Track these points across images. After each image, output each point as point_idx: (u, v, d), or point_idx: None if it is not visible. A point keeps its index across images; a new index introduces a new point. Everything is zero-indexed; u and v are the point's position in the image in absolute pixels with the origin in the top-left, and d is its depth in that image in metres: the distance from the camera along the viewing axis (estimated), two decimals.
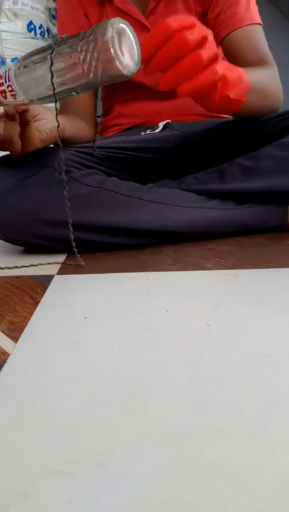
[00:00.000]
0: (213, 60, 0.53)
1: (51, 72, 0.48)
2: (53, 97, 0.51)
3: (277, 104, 0.81)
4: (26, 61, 0.51)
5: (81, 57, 0.47)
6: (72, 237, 0.63)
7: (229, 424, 0.33)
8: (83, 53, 0.47)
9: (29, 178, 0.71)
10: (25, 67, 0.51)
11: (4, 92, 0.53)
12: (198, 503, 0.26)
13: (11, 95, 0.53)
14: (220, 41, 0.85)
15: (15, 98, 0.53)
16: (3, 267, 0.68)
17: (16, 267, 0.67)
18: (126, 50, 0.48)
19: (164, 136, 0.88)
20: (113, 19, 0.47)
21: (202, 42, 0.51)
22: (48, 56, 0.48)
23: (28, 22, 1.74)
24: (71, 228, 0.60)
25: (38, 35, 1.79)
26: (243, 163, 0.79)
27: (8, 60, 1.70)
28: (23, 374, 0.40)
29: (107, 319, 0.50)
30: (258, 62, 0.82)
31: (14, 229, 0.71)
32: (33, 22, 1.77)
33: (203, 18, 0.86)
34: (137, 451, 0.30)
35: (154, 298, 0.54)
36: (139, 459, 0.30)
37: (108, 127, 1.01)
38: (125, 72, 0.47)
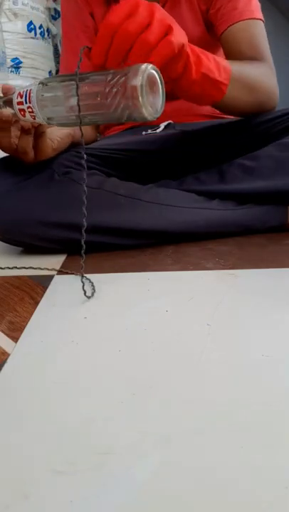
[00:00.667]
0: (167, 33, 0.53)
1: (77, 94, 0.48)
2: (72, 122, 0.52)
3: (269, 103, 0.80)
4: (50, 85, 0.51)
5: (107, 90, 0.47)
6: (83, 240, 0.61)
7: (229, 424, 0.33)
8: (110, 87, 0.47)
9: (28, 180, 0.71)
10: (47, 90, 0.51)
11: (23, 110, 0.53)
12: (198, 503, 0.26)
13: (30, 115, 0.53)
14: (219, 36, 0.85)
15: (34, 119, 0.54)
16: (3, 267, 0.68)
17: (16, 267, 0.67)
18: (152, 96, 0.48)
19: (164, 136, 0.88)
20: (145, 65, 0.47)
21: (149, 21, 0.51)
22: (73, 81, 0.49)
23: (28, 22, 1.74)
24: (84, 234, 0.59)
25: (38, 35, 1.79)
26: (243, 163, 0.79)
27: (8, 60, 1.70)
28: (23, 374, 0.40)
29: (107, 319, 0.50)
30: (253, 57, 0.81)
31: (13, 230, 0.71)
32: (33, 22, 1.77)
33: (208, 15, 0.87)
34: (137, 451, 0.30)
35: (154, 298, 0.54)
36: (139, 459, 0.30)
37: (110, 126, 1.01)
38: (147, 116, 0.48)
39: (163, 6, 0.86)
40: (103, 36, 0.50)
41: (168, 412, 0.34)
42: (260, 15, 0.85)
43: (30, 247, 0.75)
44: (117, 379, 0.39)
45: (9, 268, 0.67)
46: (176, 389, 0.37)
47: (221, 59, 0.67)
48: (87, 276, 0.62)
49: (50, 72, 1.86)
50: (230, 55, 0.84)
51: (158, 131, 0.90)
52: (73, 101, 0.49)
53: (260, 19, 0.84)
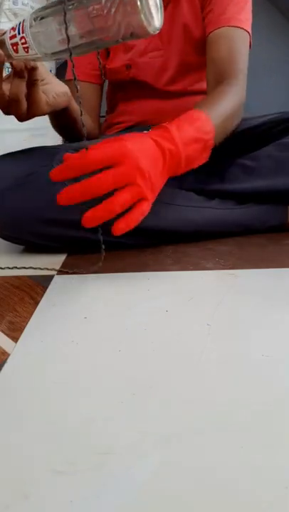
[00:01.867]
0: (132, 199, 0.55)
1: (65, 22, 0.45)
2: (68, 51, 0.48)
3: (241, 115, 0.80)
4: (43, 12, 0.48)
5: (105, 11, 0.44)
6: (101, 239, 0.61)
7: (229, 424, 0.33)
8: (108, 6, 0.44)
9: (30, 177, 0.70)
10: (41, 18, 0.48)
11: (16, 44, 0.50)
12: (198, 503, 0.26)
13: (23, 48, 0.50)
14: (206, 39, 0.85)
15: (27, 51, 0.50)
16: (3, 267, 0.68)
17: (16, 267, 0.67)
18: (152, 8, 0.46)
19: None
20: None
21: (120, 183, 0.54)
22: (64, 6, 0.45)
23: None
24: (100, 230, 0.59)
25: None
26: (243, 163, 0.79)
27: None
28: (23, 374, 0.40)
29: (107, 319, 0.50)
30: (227, 69, 0.80)
31: (14, 228, 0.71)
32: None
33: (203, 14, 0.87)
34: (137, 451, 0.30)
35: (154, 298, 0.54)
36: (139, 459, 0.30)
37: (111, 125, 1.01)
38: (150, 29, 0.45)
39: (165, 7, 0.86)
40: (73, 168, 0.54)
41: (168, 412, 0.34)
42: (247, 26, 0.84)
43: (30, 245, 0.75)
44: (117, 379, 0.39)
45: (9, 268, 0.67)
46: (176, 389, 0.37)
47: (201, 124, 0.65)
48: (87, 276, 0.62)
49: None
50: (208, 59, 0.84)
51: None
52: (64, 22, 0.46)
53: (247, 31, 0.83)
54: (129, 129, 0.97)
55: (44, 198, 0.69)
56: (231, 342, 0.44)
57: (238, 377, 0.38)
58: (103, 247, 0.62)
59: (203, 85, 0.89)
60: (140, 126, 0.94)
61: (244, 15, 0.84)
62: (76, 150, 0.78)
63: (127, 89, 0.95)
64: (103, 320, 0.49)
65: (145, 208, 0.57)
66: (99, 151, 0.53)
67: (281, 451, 0.30)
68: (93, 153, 0.53)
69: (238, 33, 0.82)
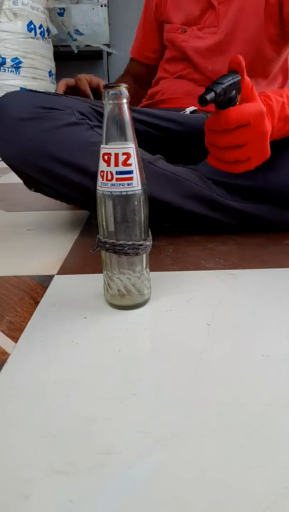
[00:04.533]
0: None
1: None
2: None
3: None
4: None
5: None
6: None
7: (229, 424, 0.33)
8: None
9: (47, 112, 0.72)
10: None
11: None
12: (198, 503, 0.26)
13: None
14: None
15: None
16: (3, 267, 0.68)
17: (16, 267, 0.67)
18: None
19: (190, 119, 0.89)
20: None
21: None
22: None
23: (28, 22, 1.74)
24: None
25: (38, 35, 1.79)
26: None
27: (8, 60, 1.70)
28: (23, 374, 0.40)
29: (107, 319, 0.50)
30: None
31: (25, 158, 0.72)
32: (33, 22, 1.77)
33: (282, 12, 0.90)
34: (137, 451, 0.30)
35: (154, 298, 0.54)
36: (139, 459, 0.30)
37: (149, 96, 1.10)
38: None
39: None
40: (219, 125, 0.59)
41: (168, 412, 0.34)
42: None
43: (27, 181, 0.78)
44: (117, 379, 0.39)
45: (9, 268, 0.67)
46: (176, 389, 0.37)
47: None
48: (87, 276, 0.63)
49: (50, 72, 1.86)
50: None
51: (184, 113, 0.93)
52: None
53: None
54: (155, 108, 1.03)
55: (57, 135, 0.71)
56: (231, 342, 0.44)
57: (238, 377, 0.38)
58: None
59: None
60: (166, 109, 0.97)
61: None
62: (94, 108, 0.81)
63: (176, 65, 1.03)
64: (103, 320, 0.49)
65: (250, 167, 0.64)
66: (236, 112, 0.58)
67: (281, 451, 0.30)
68: (231, 114, 0.58)
69: None
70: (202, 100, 0.53)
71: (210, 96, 0.53)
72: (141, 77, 1.17)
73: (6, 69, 1.69)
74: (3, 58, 1.65)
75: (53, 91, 1.85)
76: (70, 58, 2.16)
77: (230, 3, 0.93)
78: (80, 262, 0.68)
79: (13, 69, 1.70)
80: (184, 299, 0.54)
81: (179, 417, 0.34)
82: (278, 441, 0.31)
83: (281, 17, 0.91)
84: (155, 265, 0.65)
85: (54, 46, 1.96)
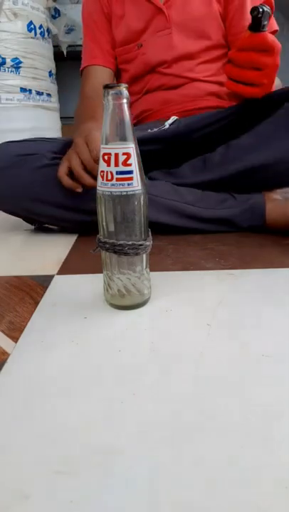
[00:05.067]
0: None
1: None
2: None
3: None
4: None
5: None
6: None
7: (229, 423, 0.33)
8: None
9: (27, 157, 0.80)
10: None
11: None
12: (198, 503, 0.26)
13: None
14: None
15: None
16: (3, 267, 0.68)
17: (16, 267, 0.67)
18: None
19: (170, 133, 0.93)
20: None
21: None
22: None
23: (28, 22, 1.74)
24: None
25: (38, 35, 1.79)
26: (223, 147, 0.86)
27: (8, 60, 1.70)
28: (23, 374, 0.40)
29: (107, 319, 0.50)
30: None
31: (10, 203, 0.83)
32: (33, 22, 1.76)
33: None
34: (137, 451, 0.30)
35: (154, 298, 0.54)
36: (139, 458, 0.30)
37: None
38: None
39: None
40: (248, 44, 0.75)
41: (168, 411, 0.34)
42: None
43: (24, 219, 0.88)
44: (117, 379, 0.39)
45: (9, 268, 0.67)
46: (176, 389, 0.37)
47: None
48: (87, 276, 0.63)
49: (50, 72, 1.86)
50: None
51: (163, 129, 0.94)
52: None
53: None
54: (135, 126, 1.03)
55: (32, 178, 0.79)
56: (231, 342, 0.44)
57: (238, 377, 0.38)
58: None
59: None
60: (146, 124, 0.99)
61: None
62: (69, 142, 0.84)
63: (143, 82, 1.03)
64: (103, 320, 0.49)
65: (259, 94, 0.80)
66: (270, 37, 0.74)
67: (281, 451, 0.30)
68: (266, 36, 0.74)
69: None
70: (254, 10, 0.71)
71: (261, 9, 0.71)
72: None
73: (6, 69, 1.69)
74: (3, 58, 1.65)
75: (53, 91, 1.86)
76: (70, 58, 2.16)
77: (171, 5, 0.96)
78: (80, 262, 0.68)
79: (13, 69, 1.70)
80: (184, 299, 0.54)
81: (178, 417, 0.34)
82: (278, 441, 0.31)
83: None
84: (155, 265, 0.65)
85: (54, 46, 1.95)
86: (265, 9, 0.71)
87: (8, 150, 0.83)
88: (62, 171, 0.76)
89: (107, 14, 1.02)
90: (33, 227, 0.92)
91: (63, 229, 0.88)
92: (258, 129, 0.83)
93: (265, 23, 0.72)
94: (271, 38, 0.74)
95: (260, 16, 0.70)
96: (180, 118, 0.95)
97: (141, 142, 0.87)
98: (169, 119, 0.95)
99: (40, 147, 0.84)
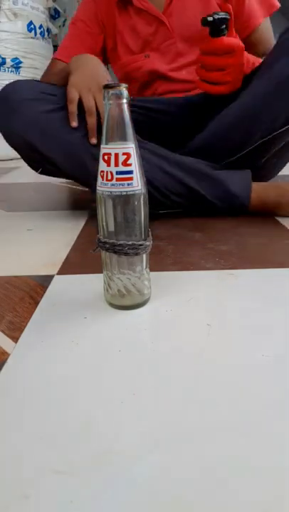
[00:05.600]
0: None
1: None
2: None
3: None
4: None
5: None
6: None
7: (229, 424, 0.33)
8: None
9: (50, 96, 0.83)
10: None
11: None
12: (198, 503, 0.26)
13: None
14: (244, 38, 0.98)
15: None
16: (3, 267, 0.68)
17: (16, 267, 0.67)
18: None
19: (171, 99, 1.00)
20: None
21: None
22: None
23: (28, 22, 1.74)
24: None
25: (38, 35, 1.79)
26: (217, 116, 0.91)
27: (8, 60, 1.70)
28: (23, 374, 0.40)
29: (107, 319, 0.50)
30: (269, 48, 0.97)
31: (25, 135, 0.84)
32: (33, 22, 1.76)
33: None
34: (137, 451, 0.30)
35: (154, 298, 0.54)
36: (139, 459, 0.30)
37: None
38: None
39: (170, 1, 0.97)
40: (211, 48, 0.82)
41: (168, 412, 0.34)
42: (269, 10, 0.99)
43: (44, 168, 0.90)
44: (117, 379, 0.39)
45: (9, 268, 0.67)
46: (176, 389, 0.37)
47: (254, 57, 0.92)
48: (87, 276, 0.63)
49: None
50: (251, 52, 0.97)
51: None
52: None
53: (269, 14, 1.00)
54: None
55: (51, 117, 0.82)
56: (231, 342, 0.44)
57: (238, 377, 0.38)
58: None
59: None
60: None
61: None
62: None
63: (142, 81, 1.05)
64: (103, 320, 0.49)
65: (226, 90, 0.85)
66: (227, 40, 0.80)
67: (281, 451, 0.30)
68: (223, 41, 0.80)
69: (266, 21, 1.01)
70: (203, 22, 0.76)
71: (210, 19, 0.75)
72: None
73: (6, 69, 1.68)
74: (3, 58, 1.65)
75: None
76: None
77: (172, 12, 0.98)
78: (80, 262, 0.68)
79: (13, 69, 1.70)
80: (184, 299, 0.54)
81: (178, 417, 0.34)
82: (278, 441, 0.31)
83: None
84: (155, 265, 0.65)
85: (54, 46, 1.95)
86: (217, 17, 0.77)
87: (35, 85, 0.86)
88: (75, 97, 0.80)
89: (101, 21, 1.03)
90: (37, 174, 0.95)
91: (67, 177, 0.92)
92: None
93: (223, 27, 0.78)
94: (230, 41, 0.79)
95: (214, 24, 0.77)
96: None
97: (150, 108, 0.95)
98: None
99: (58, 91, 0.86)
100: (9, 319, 0.51)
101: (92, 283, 0.59)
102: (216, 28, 0.78)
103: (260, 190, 0.88)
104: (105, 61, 1.08)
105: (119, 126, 0.46)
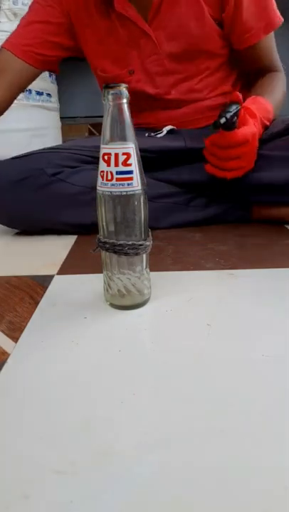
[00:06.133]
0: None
1: None
2: None
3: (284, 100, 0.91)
4: None
5: None
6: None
7: (229, 424, 0.33)
8: None
9: (23, 181, 0.80)
10: None
11: None
12: (198, 504, 0.26)
13: None
14: (240, 50, 0.89)
15: None
16: (3, 267, 0.68)
17: (16, 267, 0.67)
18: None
19: (166, 141, 0.90)
20: None
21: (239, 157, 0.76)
22: None
23: None
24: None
25: None
26: None
27: None
28: (23, 374, 0.40)
29: (107, 319, 0.50)
30: (271, 68, 0.91)
31: (9, 223, 0.86)
32: None
33: (219, 15, 0.85)
34: (137, 451, 0.30)
35: (154, 298, 0.54)
36: (139, 459, 0.30)
37: None
38: None
39: (159, 6, 0.84)
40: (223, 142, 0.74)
41: (168, 412, 0.34)
42: (275, 21, 0.86)
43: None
44: (117, 379, 0.39)
45: (9, 268, 0.67)
46: (176, 389, 0.37)
47: (264, 106, 0.81)
48: (87, 276, 0.62)
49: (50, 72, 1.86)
50: (251, 66, 0.91)
51: (160, 136, 0.92)
52: None
53: (276, 25, 0.88)
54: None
55: (34, 200, 0.81)
56: (231, 342, 0.44)
57: (238, 377, 0.38)
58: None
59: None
60: (142, 130, 0.95)
61: (270, 6, 0.85)
62: (72, 151, 0.86)
63: (141, 104, 0.94)
64: (103, 320, 0.49)
65: (240, 174, 0.78)
66: (241, 134, 0.73)
67: (281, 451, 0.30)
68: (238, 135, 0.72)
69: (270, 37, 0.88)
70: (216, 125, 0.68)
71: (223, 121, 0.68)
72: (21, 82, 0.94)
73: None
74: None
75: (53, 91, 1.85)
76: (70, 58, 2.16)
77: (159, 25, 0.86)
78: (80, 262, 0.68)
79: None
80: (184, 299, 0.54)
81: (178, 416, 0.34)
82: (278, 442, 0.31)
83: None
84: (155, 265, 0.65)
85: None
86: (229, 115, 0.69)
87: (6, 174, 0.82)
88: None
89: (66, 12, 0.90)
90: None
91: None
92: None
93: (235, 120, 0.72)
94: (244, 132, 0.73)
95: (227, 124, 0.70)
96: (178, 129, 0.94)
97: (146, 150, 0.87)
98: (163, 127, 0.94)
99: (40, 162, 0.82)
100: (9, 319, 0.51)
101: (92, 283, 0.59)
102: (229, 125, 0.71)
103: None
104: (78, 55, 0.97)
105: (118, 127, 0.46)
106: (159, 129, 0.93)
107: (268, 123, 0.82)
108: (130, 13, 0.85)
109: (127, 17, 0.85)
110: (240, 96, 0.75)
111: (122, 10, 0.84)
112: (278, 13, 0.85)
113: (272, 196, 0.83)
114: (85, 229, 0.81)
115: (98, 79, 0.99)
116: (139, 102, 0.92)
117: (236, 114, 0.72)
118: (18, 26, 0.94)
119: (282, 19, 0.86)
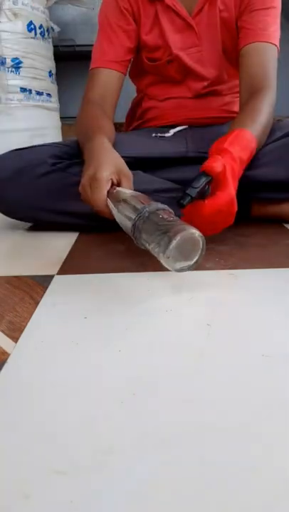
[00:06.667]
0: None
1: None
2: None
3: (272, 121, 0.86)
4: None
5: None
6: None
7: (229, 424, 0.33)
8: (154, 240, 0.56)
9: (26, 168, 0.82)
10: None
11: None
12: (199, 503, 0.26)
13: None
14: (239, 49, 0.91)
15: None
16: (3, 267, 0.68)
17: (16, 267, 0.67)
18: (183, 256, 0.56)
19: (173, 143, 0.93)
20: (182, 236, 0.54)
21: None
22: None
23: (28, 22, 1.74)
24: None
25: (38, 35, 1.79)
26: None
27: (8, 60, 1.70)
28: (23, 374, 0.40)
29: (107, 319, 0.50)
30: (259, 80, 0.86)
31: (14, 212, 0.87)
32: (33, 22, 1.76)
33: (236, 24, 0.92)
34: (137, 451, 0.30)
35: (154, 298, 0.54)
36: (139, 459, 0.30)
37: (138, 117, 1.08)
38: (173, 270, 0.56)
39: (203, 5, 0.91)
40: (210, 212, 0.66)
41: (168, 411, 0.34)
42: (276, 40, 0.89)
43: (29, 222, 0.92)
44: (117, 379, 0.39)
45: (9, 268, 0.67)
46: (176, 389, 0.37)
47: (246, 143, 0.73)
48: (87, 276, 0.62)
49: (50, 72, 1.86)
50: (242, 73, 0.89)
51: (167, 135, 0.95)
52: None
53: (276, 45, 0.88)
54: (141, 130, 1.04)
55: (34, 188, 0.82)
56: (231, 342, 0.44)
57: (238, 377, 0.38)
58: None
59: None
60: (151, 129, 0.99)
61: (273, 29, 0.88)
62: (73, 146, 0.88)
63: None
64: (103, 320, 0.49)
65: (218, 231, 0.70)
66: (212, 205, 0.65)
67: (281, 451, 0.30)
68: (207, 208, 0.64)
69: (267, 47, 0.88)
70: (180, 205, 0.63)
71: (187, 201, 0.63)
72: (114, 96, 0.96)
73: (6, 69, 1.69)
74: (3, 58, 1.65)
75: (53, 91, 1.86)
76: (70, 58, 2.16)
77: (201, 21, 0.93)
78: (80, 262, 0.68)
79: (13, 69, 1.70)
80: (184, 299, 0.54)
81: (178, 416, 0.34)
82: (278, 441, 0.31)
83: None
84: (155, 265, 0.65)
85: (54, 46, 1.95)
86: (195, 191, 0.63)
87: (9, 162, 0.85)
88: (85, 199, 0.71)
89: (128, 17, 0.95)
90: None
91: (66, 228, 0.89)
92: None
93: (206, 188, 0.65)
94: (218, 202, 0.65)
95: (190, 201, 0.64)
96: (187, 128, 0.97)
97: (138, 157, 0.88)
98: (174, 124, 0.97)
99: (40, 153, 0.85)
100: (9, 319, 0.51)
101: (92, 283, 0.59)
102: (200, 194, 0.65)
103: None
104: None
105: None
106: (167, 127, 0.97)
107: (249, 158, 0.75)
108: (177, 7, 0.92)
109: (173, 10, 0.92)
110: (215, 168, 0.65)
111: (170, 3, 0.92)
112: (278, 41, 0.89)
113: (272, 193, 0.84)
114: (83, 218, 0.82)
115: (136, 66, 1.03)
116: (171, 87, 0.99)
117: (208, 183, 0.65)
118: (100, 42, 0.97)
119: (279, 49, 0.89)
